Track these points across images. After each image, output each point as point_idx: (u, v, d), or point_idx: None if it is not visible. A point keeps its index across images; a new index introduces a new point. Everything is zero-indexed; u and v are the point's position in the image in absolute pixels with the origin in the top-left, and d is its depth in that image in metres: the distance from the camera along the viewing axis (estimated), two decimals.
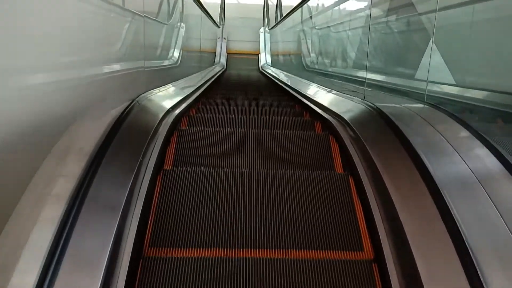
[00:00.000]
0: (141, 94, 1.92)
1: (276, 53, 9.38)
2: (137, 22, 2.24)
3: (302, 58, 7.26)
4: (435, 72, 2.20)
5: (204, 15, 6.01)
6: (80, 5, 1.50)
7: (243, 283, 1.08)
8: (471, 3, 2.31)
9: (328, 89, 3.09)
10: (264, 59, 9.58)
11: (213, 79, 5.11)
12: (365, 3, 4.41)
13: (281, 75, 5.75)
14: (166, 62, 3.65)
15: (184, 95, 2.72)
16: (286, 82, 4.73)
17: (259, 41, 10.71)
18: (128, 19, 2.12)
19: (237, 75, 7.62)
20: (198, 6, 5.13)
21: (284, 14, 10.52)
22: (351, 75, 4.32)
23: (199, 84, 3.85)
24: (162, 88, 2.44)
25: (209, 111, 2.84)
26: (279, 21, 8.45)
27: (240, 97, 4.15)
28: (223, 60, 9.39)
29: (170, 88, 2.63)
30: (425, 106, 1.79)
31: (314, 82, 4.15)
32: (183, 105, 2.41)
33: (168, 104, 2.11)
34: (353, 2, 4.90)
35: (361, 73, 3.99)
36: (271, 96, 4.41)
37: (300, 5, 5.72)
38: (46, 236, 0.86)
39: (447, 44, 2.43)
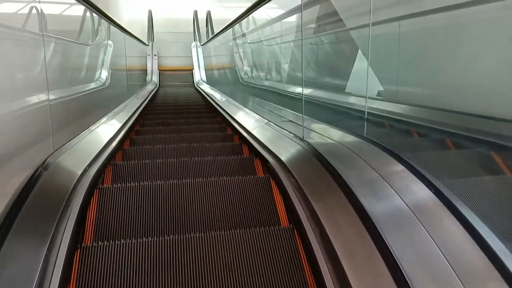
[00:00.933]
0: (46, 159, 1.58)
1: (210, 68, 9.26)
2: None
3: (238, 72, 7.21)
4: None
5: (129, 37, 5.73)
6: None
7: None
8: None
9: (265, 121, 3.00)
10: (199, 75, 9.39)
11: (144, 105, 4.86)
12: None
13: (216, 95, 5.63)
14: (90, 85, 3.37)
15: (111, 135, 2.49)
16: (222, 106, 4.60)
17: (191, 56, 10.51)
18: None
19: (171, 95, 7.36)
20: (119, 29, 4.86)
21: (214, 28, 10.46)
22: (286, 90, 4.36)
23: (128, 117, 3.61)
24: (81, 134, 2.19)
25: (139, 156, 2.62)
26: (212, 38, 8.34)
27: (174, 126, 3.95)
28: (155, 78, 9.06)
29: (90, 133, 2.37)
30: (360, 140, 1.77)
31: (250, 105, 4.10)
32: (105, 154, 2.18)
33: (85, 159, 1.87)
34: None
35: (296, 88, 4.03)
36: (209, 124, 4.22)
37: (233, 23, 5.67)
38: None
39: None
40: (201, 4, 12.73)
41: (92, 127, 2.58)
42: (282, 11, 4.96)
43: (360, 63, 3.09)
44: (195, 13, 10.63)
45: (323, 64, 3.71)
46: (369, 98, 2.24)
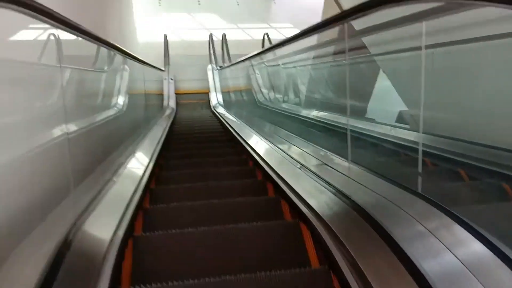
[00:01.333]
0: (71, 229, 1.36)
1: (227, 90, 9.17)
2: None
3: (255, 95, 7.08)
4: None
5: (149, 68, 5.65)
6: None
7: None
8: None
9: (287, 156, 2.82)
10: (215, 98, 9.30)
11: (162, 138, 4.73)
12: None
13: (235, 121, 5.48)
14: (107, 113, 3.24)
15: (135, 184, 2.32)
16: (242, 136, 4.42)
17: (207, 79, 10.45)
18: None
19: (189, 121, 7.24)
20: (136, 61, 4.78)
21: (230, 50, 10.42)
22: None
23: (149, 154, 3.45)
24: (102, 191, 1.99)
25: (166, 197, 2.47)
26: (229, 66, 8.26)
27: (197, 158, 3.82)
28: (172, 103, 8.99)
29: (114, 184, 2.17)
30: (408, 194, 1.56)
31: (272, 135, 3.90)
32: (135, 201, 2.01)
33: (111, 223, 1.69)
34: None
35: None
36: (229, 155, 4.07)
37: (252, 57, 5.62)
38: None
39: None
40: (216, 25, 12.77)
41: (115, 167, 2.46)
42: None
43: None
44: (211, 36, 10.62)
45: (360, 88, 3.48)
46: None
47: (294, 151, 3.00)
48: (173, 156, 4.04)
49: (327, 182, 1.95)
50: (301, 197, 1.94)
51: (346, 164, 1.99)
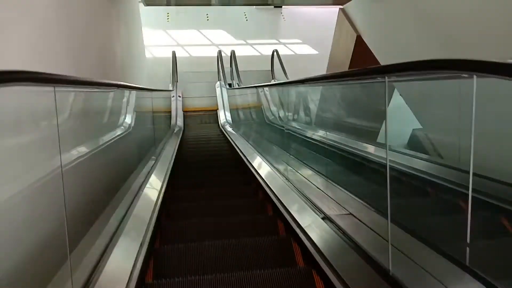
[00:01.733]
0: None
1: (235, 107, 8.98)
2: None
3: (263, 112, 6.84)
4: None
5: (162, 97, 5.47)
6: None
7: None
8: None
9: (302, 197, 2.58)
10: (224, 116, 9.09)
11: (171, 163, 4.52)
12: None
13: (244, 144, 5.25)
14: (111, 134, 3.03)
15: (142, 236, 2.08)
16: (253, 164, 4.18)
17: (216, 96, 10.28)
18: None
19: (197, 142, 7.03)
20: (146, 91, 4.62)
21: (239, 67, 10.25)
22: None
23: (159, 184, 3.23)
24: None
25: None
26: (238, 88, 8.06)
27: (205, 189, 3.63)
28: (180, 122, 8.80)
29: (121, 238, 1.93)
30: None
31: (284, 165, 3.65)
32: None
33: None
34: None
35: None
36: (238, 186, 3.87)
37: (266, 86, 5.43)
38: None
39: None
40: (224, 40, 12.65)
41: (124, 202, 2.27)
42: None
43: None
44: (219, 53, 10.48)
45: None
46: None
47: (308, 188, 2.76)
48: (181, 185, 3.86)
49: (353, 241, 1.70)
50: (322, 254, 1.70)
51: (381, 220, 1.73)
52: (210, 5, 6.77)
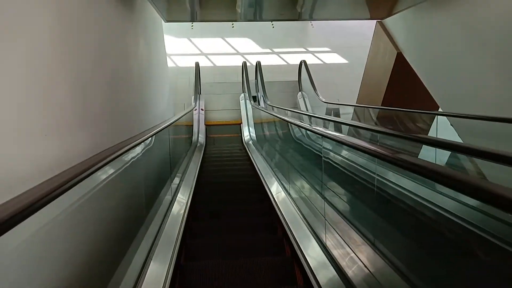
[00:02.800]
0: None
1: (260, 121, 8.45)
2: None
3: (291, 130, 6.29)
4: None
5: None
6: None
7: None
8: None
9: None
10: (247, 132, 8.57)
11: (193, 185, 4.06)
12: None
13: (269, 175, 4.70)
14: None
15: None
16: (279, 205, 3.64)
17: (239, 109, 9.78)
18: None
19: (219, 169, 6.50)
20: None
21: (264, 78, 9.70)
22: None
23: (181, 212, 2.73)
24: None
25: None
26: (265, 110, 7.52)
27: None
28: (201, 138, 8.35)
29: None
30: None
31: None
32: None
33: None
34: None
35: None
36: (260, 222, 3.34)
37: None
38: None
39: None
40: (250, 49, 12.15)
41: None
42: None
43: None
44: (244, 64, 9.99)
45: None
46: None
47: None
48: (200, 227, 3.37)
49: None
50: None
51: None
52: (235, 21, 6.26)
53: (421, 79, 5.07)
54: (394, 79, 5.88)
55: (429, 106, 6.02)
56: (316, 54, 12.20)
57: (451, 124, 4.72)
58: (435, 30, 4.72)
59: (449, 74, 4.62)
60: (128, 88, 5.03)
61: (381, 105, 6.21)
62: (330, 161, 2.91)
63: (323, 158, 2.68)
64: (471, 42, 4.14)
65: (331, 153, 3.25)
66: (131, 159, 2.62)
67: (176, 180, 4.36)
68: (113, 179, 2.22)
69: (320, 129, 2.60)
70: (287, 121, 4.04)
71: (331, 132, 2.44)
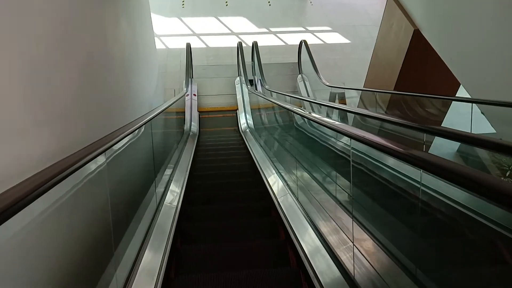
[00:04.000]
0: None
1: (257, 107, 7.79)
2: None
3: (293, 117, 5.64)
4: None
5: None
6: None
7: None
8: None
9: None
10: (244, 118, 7.89)
11: (184, 185, 3.44)
12: None
13: (269, 171, 4.07)
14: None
15: None
16: (280, 201, 3.01)
17: (235, 94, 9.09)
18: None
19: (213, 155, 5.86)
20: None
21: (262, 60, 8.96)
22: None
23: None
24: None
25: None
26: (263, 96, 6.81)
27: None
28: (194, 127, 7.67)
29: None
30: None
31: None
32: None
33: None
34: None
35: None
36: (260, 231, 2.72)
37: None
38: None
39: None
40: (245, 28, 11.39)
41: None
42: None
43: None
44: (240, 44, 9.23)
45: None
46: None
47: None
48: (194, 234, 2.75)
49: None
50: None
51: None
52: None
53: (445, 61, 4.41)
54: (410, 59, 5.21)
55: (448, 91, 5.38)
56: (316, 33, 11.44)
57: (482, 113, 4.09)
58: (459, 2, 4.05)
59: (482, 55, 3.97)
60: (108, 75, 4.34)
61: (394, 90, 5.55)
62: (362, 168, 2.26)
63: (351, 163, 2.04)
64: (503, 14, 3.47)
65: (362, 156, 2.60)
66: (96, 167, 1.97)
67: (165, 179, 3.73)
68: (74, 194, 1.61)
69: (347, 128, 1.95)
70: (295, 112, 3.37)
71: (362, 134, 1.79)
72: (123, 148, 2.56)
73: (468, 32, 4.03)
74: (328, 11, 12.37)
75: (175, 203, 3.15)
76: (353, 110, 3.16)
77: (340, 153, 2.76)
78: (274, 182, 3.84)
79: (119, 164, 2.59)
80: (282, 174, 3.85)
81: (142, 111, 3.89)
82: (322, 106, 5.43)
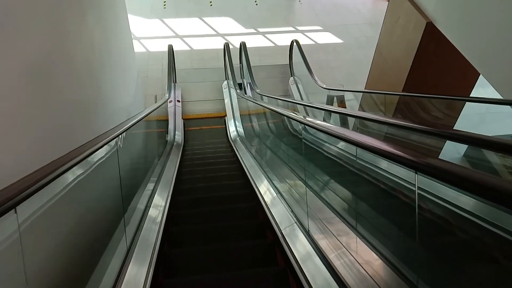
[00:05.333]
0: None
1: (247, 113, 7.11)
2: None
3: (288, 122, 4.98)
4: None
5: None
6: None
7: None
8: None
9: None
10: (234, 126, 7.19)
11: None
12: None
13: (268, 194, 3.37)
14: None
15: None
16: (280, 226, 2.31)
17: (223, 99, 8.38)
18: None
19: (203, 177, 5.09)
20: None
21: (251, 62, 8.28)
22: None
23: None
24: None
25: None
26: (253, 100, 6.12)
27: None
28: (178, 136, 6.94)
29: None
30: None
31: None
32: None
33: None
34: None
35: None
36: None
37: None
38: None
39: None
40: (232, 29, 10.71)
41: None
42: None
43: None
44: (226, 45, 8.52)
45: None
46: None
47: None
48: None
49: None
50: None
51: None
52: None
53: (467, 57, 3.78)
54: (421, 58, 4.59)
55: (463, 92, 4.78)
56: (306, 33, 10.82)
57: None
58: None
59: (506, 47, 3.36)
60: (70, 79, 3.61)
61: (402, 90, 4.93)
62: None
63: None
64: None
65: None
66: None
67: (140, 208, 3.00)
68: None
69: (368, 139, 1.30)
70: (301, 122, 2.68)
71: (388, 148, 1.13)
72: (79, 177, 1.85)
73: (495, 21, 3.42)
74: (318, 10, 11.78)
75: (150, 249, 2.41)
76: (378, 118, 2.48)
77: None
78: (273, 202, 3.14)
79: (71, 199, 1.88)
80: (283, 193, 3.15)
81: (116, 121, 3.19)
82: (325, 112, 4.77)
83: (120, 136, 2.44)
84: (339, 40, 10.60)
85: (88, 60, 4.19)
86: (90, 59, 4.16)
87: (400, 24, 5.00)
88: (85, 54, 4.18)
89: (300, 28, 11.06)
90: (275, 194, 3.21)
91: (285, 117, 3.57)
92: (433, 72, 4.69)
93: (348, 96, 6.78)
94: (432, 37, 4.45)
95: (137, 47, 9.80)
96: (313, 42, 10.50)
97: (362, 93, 6.13)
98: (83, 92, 3.99)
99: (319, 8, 11.86)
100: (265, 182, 3.74)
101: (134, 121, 3.08)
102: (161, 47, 9.48)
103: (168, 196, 3.66)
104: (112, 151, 2.35)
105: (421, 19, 4.47)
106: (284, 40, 10.37)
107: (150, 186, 3.68)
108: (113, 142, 2.29)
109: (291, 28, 11.08)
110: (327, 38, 10.70)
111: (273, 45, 10.46)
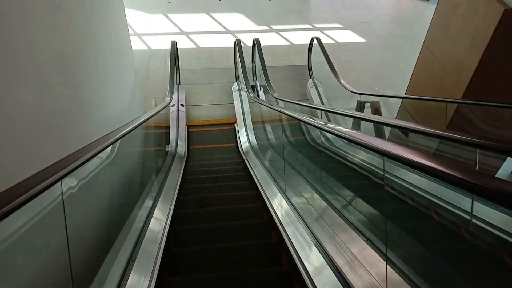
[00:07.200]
0: None
1: (260, 119, 6.10)
2: None
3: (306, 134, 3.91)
4: None
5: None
6: None
7: None
8: None
9: None
10: (245, 137, 6.17)
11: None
12: None
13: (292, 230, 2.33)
14: None
15: None
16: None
17: (232, 103, 7.37)
18: None
19: (208, 190, 4.07)
20: None
21: (265, 61, 7.25)
22: None
23: None
24: None
25: None
26: (269, 106, 5.07)
27: None
28: (181, 147, 5.94)
29: None
30: None
31: None
32: None
33: None
34: None
35: None
36: None
37: None
38: None
39: None
40: (242, 26, 9.73)
41: None
42: None
43: None
44: (237, 42, 7.49)
45: None
46: None
47: None
48: None
49: None
50: None
51: None
52: None
53: None
54: (492, 55, 3.56)
55: None
56: (325, 31, 9.79)
57: None
58: None
59: None
60: (45, 79, 2.64)
61: (463, 97, 3.89)
62: None
63: None
64: None
65: None
66: None
67: (131, 239, 2.01)
68: None
69: None
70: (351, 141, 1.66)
71: None
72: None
73: None
74: (337, 6, 10.76)
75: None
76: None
77: None
78: (299, 240, 2.12)
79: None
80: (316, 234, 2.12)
81: (106, 129, 2.28)
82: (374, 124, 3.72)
83: (70, 173, 1.43)
84: (361, 39, 9.56)
85: (68, 57, 3.19)
86: (62, 52, 3.14)
87: (460, 13, 3.97)
88: (69, 52, 3.20)
89: (318, 25, 10.03)
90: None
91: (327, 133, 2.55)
92: (508, 74, 3.65)
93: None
94: (509, 28, 3.42)
95: (138, 44, 8.85)
96: (333, 41, 9.46)
97: (401, 101, 5.09)
98: (66, 96, 3.02)
99: (338, 4, 10.83)
100: (292, 215, 2.72)
101: (109, 141, 2.07)
102: (164, 44, 8.51)
103: (165, 231, 2.65)
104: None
105: (496, 5, 3.44)
106: (300, 38, 9.37)
107: (144, 211, 2.69)
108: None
109: (308, 26, 10.07)
110: (348, 36, 9.66)
111: (288, 43, 9.44)
